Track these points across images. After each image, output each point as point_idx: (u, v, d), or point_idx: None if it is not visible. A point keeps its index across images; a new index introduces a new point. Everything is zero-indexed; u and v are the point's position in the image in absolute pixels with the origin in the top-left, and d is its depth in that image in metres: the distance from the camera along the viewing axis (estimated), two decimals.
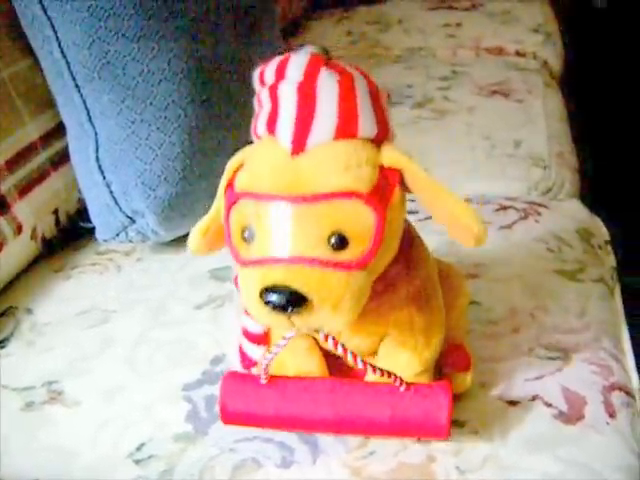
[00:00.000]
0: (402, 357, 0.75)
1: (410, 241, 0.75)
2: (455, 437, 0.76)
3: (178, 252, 1.13)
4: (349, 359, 0.70)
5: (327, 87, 0.64)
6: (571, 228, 1.12)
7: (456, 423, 0.77)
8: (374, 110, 0.66)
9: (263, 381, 0.73)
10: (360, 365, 0.70)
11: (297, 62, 0.66)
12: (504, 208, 1.16)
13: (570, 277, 1.00)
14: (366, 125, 0.66)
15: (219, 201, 0.71)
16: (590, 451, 0.76)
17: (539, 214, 1.15)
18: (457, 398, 0.77)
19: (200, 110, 1.08)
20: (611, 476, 0.74)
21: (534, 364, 0.85)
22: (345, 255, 0.63)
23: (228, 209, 0.66)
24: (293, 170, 0.63)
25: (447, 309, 0.78)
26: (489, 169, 1.35)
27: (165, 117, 1.05)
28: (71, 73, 1.05)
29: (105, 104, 1.05)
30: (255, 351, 0.79)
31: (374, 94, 0.67)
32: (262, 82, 0.68)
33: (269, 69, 0.67)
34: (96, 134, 1.07)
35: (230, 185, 0.68)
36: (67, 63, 1.04)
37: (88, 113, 1.06)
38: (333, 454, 0.76)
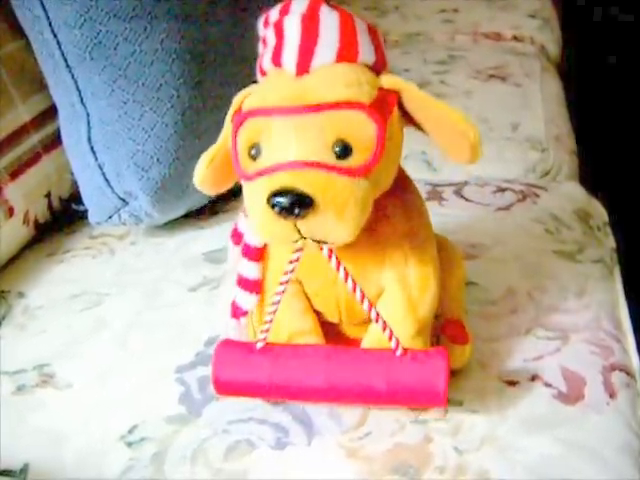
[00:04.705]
0: (397, 315, 0.73)
1: (409, 189, 0.77)
2: (453, 417, 0.75)
3: (172, 235, 1.12)
4: (349, 286, 0.70)
5: (329, 18, 0.68)
6: (569, 209, 1.11)
7: (454, 402, 0.76)
8: (372, 42, 0.70)
9: (259, 344, 0.72)
10: (358, 296, 0.70)
11: (300, 1, 0.69)
12: (502, 190, 1.15)
13: (569, 258, 0.99)
14: (365, 52, 0.69)
15: (225, 131, 0.73)
16: (590, 431, 0.75)
17: (537, 196, 1.14)
18: (456, 375, 0.77)
19: (193, 91, 1.07)
20: (611, 456, 0.73)
21: (533, 344, 0.84)
22: (349, 162, 0.65)
23: (236, 131, 0.68)
24: (298, 86, 0.67)
25: (444, 281, 0.77)
26: (486, 152, 1.29)
27: (158, 98, 1.04)
28: (62, 53, 1.03)
29: (97, 85, 1.03)
30: (248, 300, 0.78)
31: (371, 30, 0.71)
32: (266, 23, 0.71)
33: (273, 10, 0.70)
34: (88, 115, 1.05)
35: (237, 112, 0.70)
36: (58, 43, 1.03)
37: (80, 94, 1.05)
38: (328, 435, 0.75)
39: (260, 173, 0.66)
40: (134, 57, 1.03)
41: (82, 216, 1.16)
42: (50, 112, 1.12)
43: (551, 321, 0.88)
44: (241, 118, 0.68)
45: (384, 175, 0.69)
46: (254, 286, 0.77)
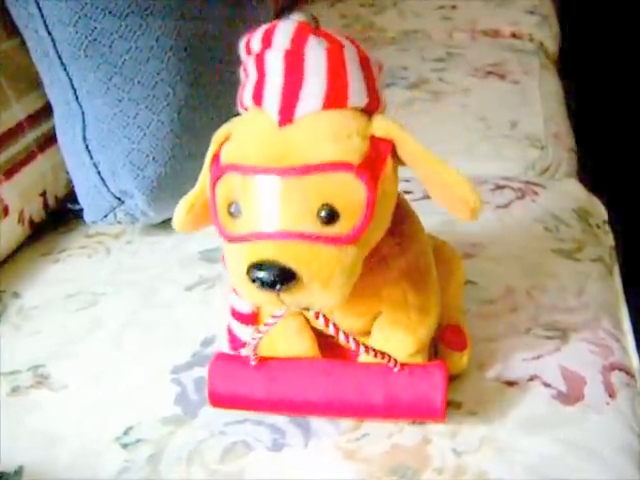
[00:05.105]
0: (396, 337, 0.72)
1: (403, 215, 0.73)
2: (452, 418, 0.74)
3: (168, 234, 1.11)
4: (341, 338, 0.68)
5: (315, 55, 0.62)
6: (569, 207, 1.10)
7: (453, 404, 0.75)
8: (364, 79, 0.64)
9: (253, 362, 0.71)
10: (352, 344, 0.68)
11: (284, 30, 0.63)
12: (500, 188, 1.14)
13: (568, 256, 0.99)
14: (356, 94, 0.63)
15: (204, 176, 0.69)
16: (589, 432, 0.74)
17: (536, 194, 1.13)
18: (454, 379, 0.76)
19: (189, 89, 1.06)
20: (611, 457, 0.72)
21: (532, 344, 0.84)
22: (335, 229, 0.60)
23: (213, 183, 0.64)
24: (280, 141, 0.61)
25: (442, 287, 0.77)
26: (485, 150, 1.33)
27: (153, 95, 1.03)
28: (57, 51, 1.03)
29: (92, 82, 1.03)
30: (244, 332, 0.77)
31: (364, 63, 0.65)
32: (248, 51, 0.66)
33: (255, 37, 0.65)
34: (83, 113, 1.05)
35: (216, 158, 0.65)
36: (52, 41, 1.02)
37: (75, 92, 1.04)
38: (325, 437, 0.74)
39: (242, 238, 0.62)
40: (129, 54, 1.02)
41: (77, 215, 1.15)
42: (45, 111, 1.11)
43: (550, 320, 0.87)
44: (219, 171, 0.63)
45: (375, 234, 0.65)
46: (249, 319, 0.76)
